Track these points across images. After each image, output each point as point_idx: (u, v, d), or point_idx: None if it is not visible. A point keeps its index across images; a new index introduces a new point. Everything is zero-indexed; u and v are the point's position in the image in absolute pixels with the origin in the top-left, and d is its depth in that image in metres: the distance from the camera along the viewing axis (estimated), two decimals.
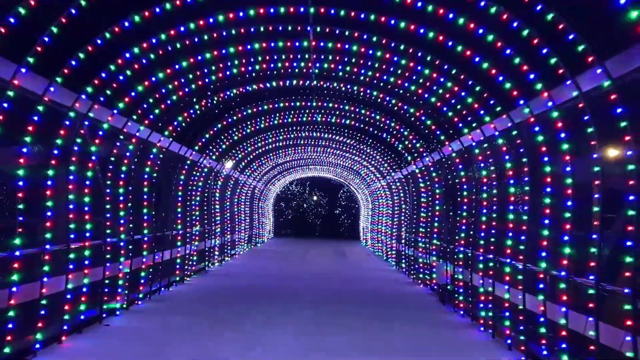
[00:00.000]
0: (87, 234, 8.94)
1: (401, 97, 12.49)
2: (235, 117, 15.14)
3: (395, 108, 13.33)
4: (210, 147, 16.40)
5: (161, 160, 12.84)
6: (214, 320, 10.15)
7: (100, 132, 9.44)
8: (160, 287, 13.02)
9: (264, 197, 33.85)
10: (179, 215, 14.63)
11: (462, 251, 12.14)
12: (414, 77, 10.74)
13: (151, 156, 12.25)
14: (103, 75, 8.40)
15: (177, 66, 9.85)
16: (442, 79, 10.17)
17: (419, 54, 9.61)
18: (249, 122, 16.44)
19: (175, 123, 12.75)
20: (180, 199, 14.68)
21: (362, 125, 16.97)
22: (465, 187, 12.55)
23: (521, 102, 8.29)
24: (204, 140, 15.26)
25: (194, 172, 16.13)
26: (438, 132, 13.08)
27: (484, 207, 10.98)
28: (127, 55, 8.52)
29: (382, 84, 11.89)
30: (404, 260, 19.14)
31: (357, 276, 18.07)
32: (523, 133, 8.87)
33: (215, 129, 15.37)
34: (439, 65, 9.65)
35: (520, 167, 9.17)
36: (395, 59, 10.06)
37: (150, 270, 12.25)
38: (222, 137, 16.54)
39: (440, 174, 14.83)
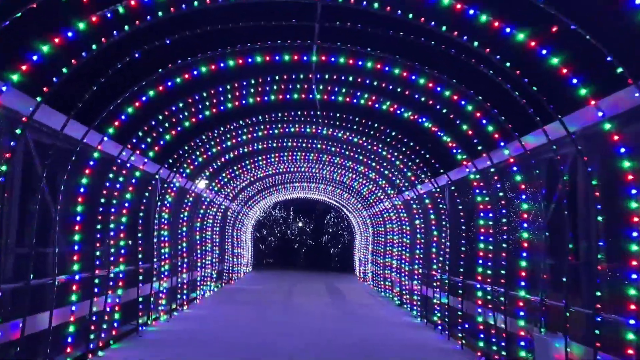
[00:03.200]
0: None
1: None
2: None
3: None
4: (144, 137, 10.45)
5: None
6: None
7: None
8: None
9: (240, 222, 27.81)
10: (76, 247, 8.43)
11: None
12: None
13: None
14: None
15: None
16: None
17: None
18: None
19: None
20: (79, 216, 8.52)
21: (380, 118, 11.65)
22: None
23: None
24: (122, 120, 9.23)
25: (114, 175, 10.06)
26: None
27: None
28: None
29: None
30: (438, 313, 13.20)
31: (372, 338, 12.08)
32: None
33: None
34: None
35: None
36: None
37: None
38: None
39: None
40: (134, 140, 10.03)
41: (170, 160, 12.54)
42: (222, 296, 18.95)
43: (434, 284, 13.67)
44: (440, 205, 13.40)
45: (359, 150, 15.21)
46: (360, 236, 30.19)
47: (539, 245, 8.51)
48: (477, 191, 10.67)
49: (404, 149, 12.95)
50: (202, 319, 13.73)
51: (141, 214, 11.76)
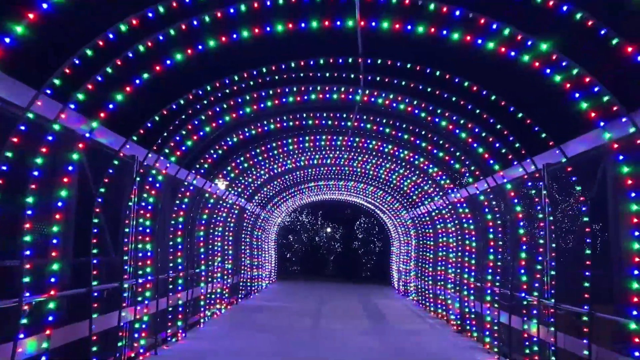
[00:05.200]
0: None
1: None
2: None
3: None
4: None
5: None
6: None
7: None
8: None
9: (260, 227, 24.13)
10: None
11: None
12: None
13: None
14: None
15: None
16: None
17: None
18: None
19: None
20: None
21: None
22: None
23: None
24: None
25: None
26: None
27: None
28: None
29: None
30: (528, 349, 9.10)
31: None
32: None
33: None
34: None
35: None
36: None
37: None
38: None
39: None
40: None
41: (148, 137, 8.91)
42: (235, 318, 15.21)
43: (522, 311, 9.62)
44: (541, 192, 9.38)
45: (404, 125, 11.33)
46: (400, 242, 26.15)
47: None
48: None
49: (479, 116, 9.02)
50: (199, 358, 10.00)
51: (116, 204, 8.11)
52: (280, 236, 34.74)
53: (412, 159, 13.94)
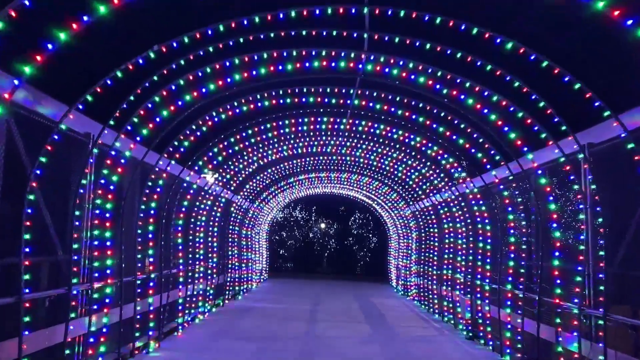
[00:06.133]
0: None
1: None
2: None
3: None
4: None
5: None
6: None
7: None
8: None
9: (251, 221, 22.49)
10: None
11: None
12: None
13: None
14: None
15: None
16: None
17: None
18: None
19: None
20: None
21: None
22: None
23: None
24: None
25: None
26: None
27: None
28: None
29: None
30: None
31: None
32: None
33: None
34: None
35: None
36: None
37: None
38: None
39: None
40: None
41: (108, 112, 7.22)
42: (219, 324, 13.57)
43: (556, 320, 8.06)
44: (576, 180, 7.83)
45: (419, 104, 9.70)
46: (399, 237, 24.60)
47: None
48: None
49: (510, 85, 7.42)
50: None
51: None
52: (273, 232, 33.27)
53: (423, 147, 12.32)
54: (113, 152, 7.76)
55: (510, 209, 10.19)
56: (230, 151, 12.61)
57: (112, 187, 8.05)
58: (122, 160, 8.16)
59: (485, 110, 8.31)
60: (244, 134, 11.73)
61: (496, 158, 9.57)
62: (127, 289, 8.76)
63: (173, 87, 7.86)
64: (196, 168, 11.74)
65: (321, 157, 16.86)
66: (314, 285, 25.55)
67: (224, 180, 14.71)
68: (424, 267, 18.22)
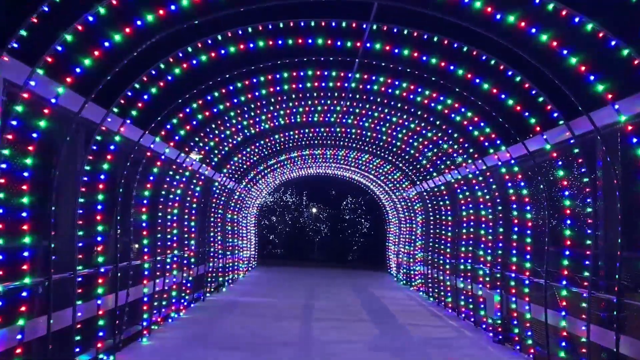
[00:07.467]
0: None
1: None
2: None
3: None
4: None
5: None
6: None
7: None
8: None
9: (239, 204, 20.14)
10: None
11: None
12: None
13: None
14: None
15: None
16: None
17: None
18: None
19: None
20: None
21: None
22: None
23: None
24: None
25: None
26: None
27: None
28: None
29: None
30: None
31: None
32: None
33: None
34: None
35: None
36: None
37: None
38: None
39: None
40: None
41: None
42: (197, 323, 11.27)
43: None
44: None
45: (461, 48, 7.37)
46: (399, 223, 22.41)
47: None
48: None
49: None
50: None
51: None
52: (262, 217, 31.01)
53: (437, 119, 10.03)
54: (26, 95, 5.35)
55: (566, 191, 7.94)
56: (214, 111, 10.17)
57: (34, 137, 5.66)
58: (46, 111, 5.75)
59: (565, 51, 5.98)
60: (230, 87, 9.28)
61: (554, 115, 7.25)
62: (59, 290, 6.42)
63: None
64: (163, 133, 9.30)
65: (321, 129, 14.50)
66: (307, 275, 23.34)
67: (205, 149, 12.27)
68: (432, 255, 16.06)
